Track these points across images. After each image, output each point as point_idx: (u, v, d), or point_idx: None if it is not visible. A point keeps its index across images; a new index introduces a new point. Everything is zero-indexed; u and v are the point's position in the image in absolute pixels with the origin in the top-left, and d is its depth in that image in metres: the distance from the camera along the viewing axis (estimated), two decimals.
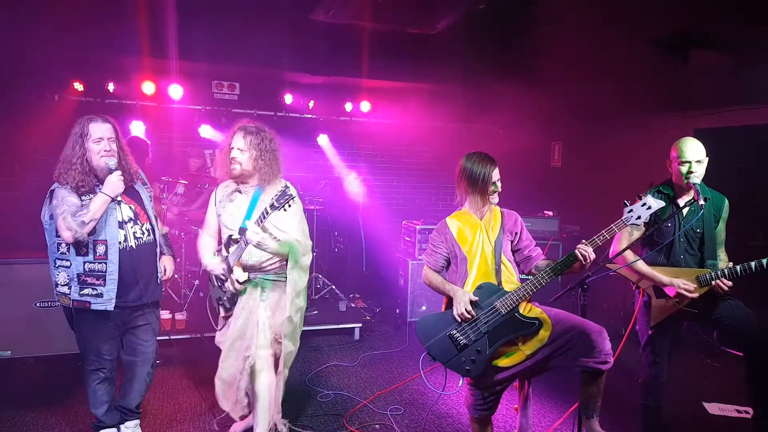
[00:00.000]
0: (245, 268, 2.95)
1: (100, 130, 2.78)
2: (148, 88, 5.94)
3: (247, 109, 6.60)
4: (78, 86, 5.78)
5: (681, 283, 2.91)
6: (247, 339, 2.97)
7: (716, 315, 2.95)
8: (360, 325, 5.31)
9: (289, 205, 2.68)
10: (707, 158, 2.94)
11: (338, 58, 5.61)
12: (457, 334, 2.62)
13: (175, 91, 6.01)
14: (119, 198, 2.81)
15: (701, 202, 2.81)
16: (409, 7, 4.51)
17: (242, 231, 2.85)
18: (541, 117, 6.44)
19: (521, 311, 2.59)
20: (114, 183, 2.76)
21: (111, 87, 5.89)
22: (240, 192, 3.01)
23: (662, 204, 2.48)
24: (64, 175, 2.74)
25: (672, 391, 3.28)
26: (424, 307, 5.56)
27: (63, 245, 2.77)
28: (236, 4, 4.88)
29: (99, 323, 2.84)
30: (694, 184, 2.87)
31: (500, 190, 2.76)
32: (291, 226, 2.94)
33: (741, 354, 3.02)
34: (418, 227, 5.68)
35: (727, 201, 3.02)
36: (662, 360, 3.08)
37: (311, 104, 6.67)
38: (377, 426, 3.47)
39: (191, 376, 4.15)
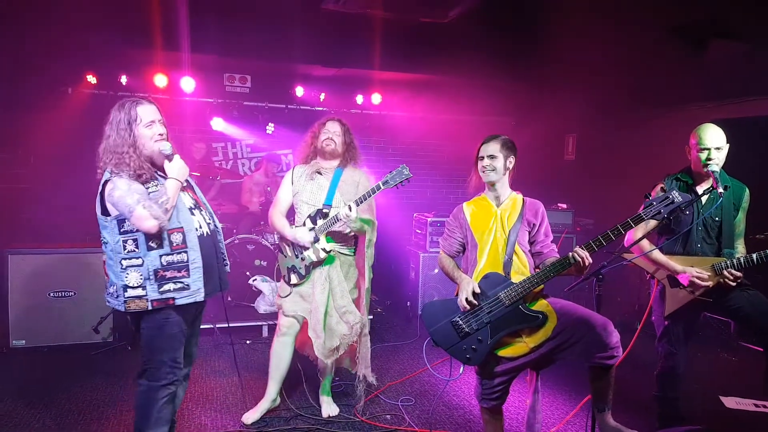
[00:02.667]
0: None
1: (150, 113, 2.48)
2: (161, 80, 5.95)
3: (258, 101, 6.60)
4: (91, 79, 5.80)
5: (695, 271, 2.85)
6: (340, 306, 3.28)
7: (735, 306, 2.89)
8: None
9: (402, 184, 3.11)
10: (727, 145, 2.87)
11: (349, 49, 5.58)
12: (460, 322, 2.60)
13: (187, 83, 6.02)
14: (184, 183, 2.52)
15: (720, 190, 2.74)
16: None
17: (327, 206, 3.24)
18: (554, 109, 6.36)
19: (526, 303, 2.54)
20: (182, 166, 2.48)
21: (124, 79, 5.91)
22: (320, 173, 3.35)
23: (688, 198, 2.35)
24: (117, 163, 2.39)
25: (688, 385, 3.22)
26: None
27: (130, 242, 2.37)
28: None
29: (179, 324, 2.48)
30: (713, 171, 2.80)
31: (493, 167, 2.66)
32: (371, 207, 3.35)
33: (760, 349, 2.95)
34: (429, 220, 5.64)
35: (747, 190, 2.94)
36: (679, 351, 3.02)
37: (322, 97, 6.65)
38: (388, 416, 3.46)
39: (202, 366, 4.15)
